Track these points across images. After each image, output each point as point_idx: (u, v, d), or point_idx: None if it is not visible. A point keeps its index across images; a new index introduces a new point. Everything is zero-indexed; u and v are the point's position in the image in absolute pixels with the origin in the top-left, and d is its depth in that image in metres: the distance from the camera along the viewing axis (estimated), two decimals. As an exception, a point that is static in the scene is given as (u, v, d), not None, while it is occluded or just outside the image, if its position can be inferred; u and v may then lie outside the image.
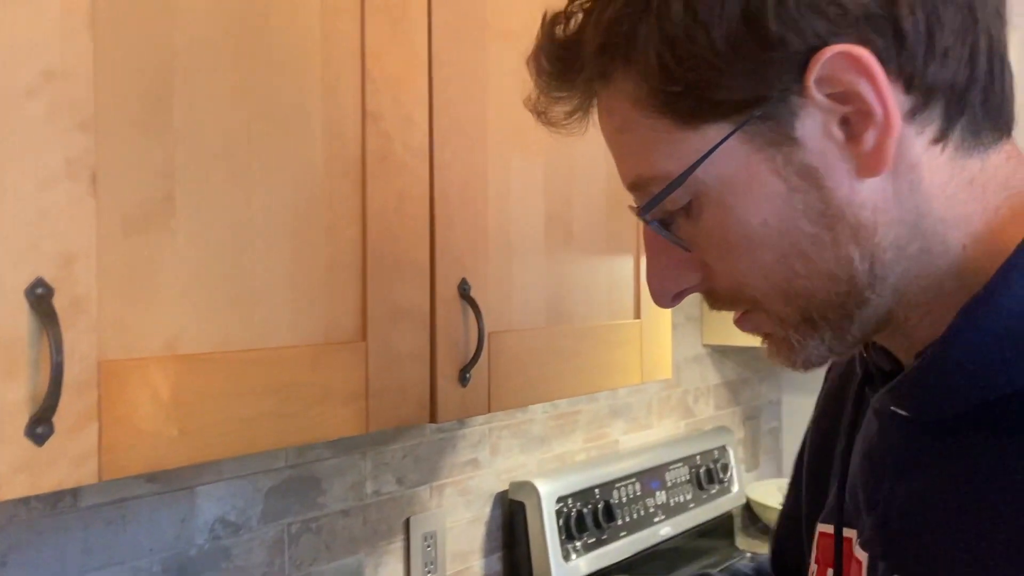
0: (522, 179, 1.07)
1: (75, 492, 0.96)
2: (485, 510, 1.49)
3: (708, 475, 1.91)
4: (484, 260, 1.01)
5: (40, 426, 0.63)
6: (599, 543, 1.57)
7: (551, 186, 1.11)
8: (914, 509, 0.53)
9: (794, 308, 0.51)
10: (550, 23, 0.54)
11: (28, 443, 0.63)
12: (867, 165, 0.47)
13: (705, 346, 2.10)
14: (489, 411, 1.01)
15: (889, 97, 0.46)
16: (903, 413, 0.54)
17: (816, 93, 0.47)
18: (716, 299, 0.55)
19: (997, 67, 0.49)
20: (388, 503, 1.32)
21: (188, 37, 0.73)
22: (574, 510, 1.53)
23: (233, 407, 0.76)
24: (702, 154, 0.49)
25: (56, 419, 0.64)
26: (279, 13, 0.80)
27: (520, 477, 1.55)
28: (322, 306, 0.84)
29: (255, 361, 0.78)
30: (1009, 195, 0.50)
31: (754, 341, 0.58)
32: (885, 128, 0.46)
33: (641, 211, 0.52)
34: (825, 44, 0.45)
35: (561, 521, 1.50)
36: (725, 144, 0.48)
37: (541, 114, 0.58)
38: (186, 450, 0.73)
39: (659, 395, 1.94)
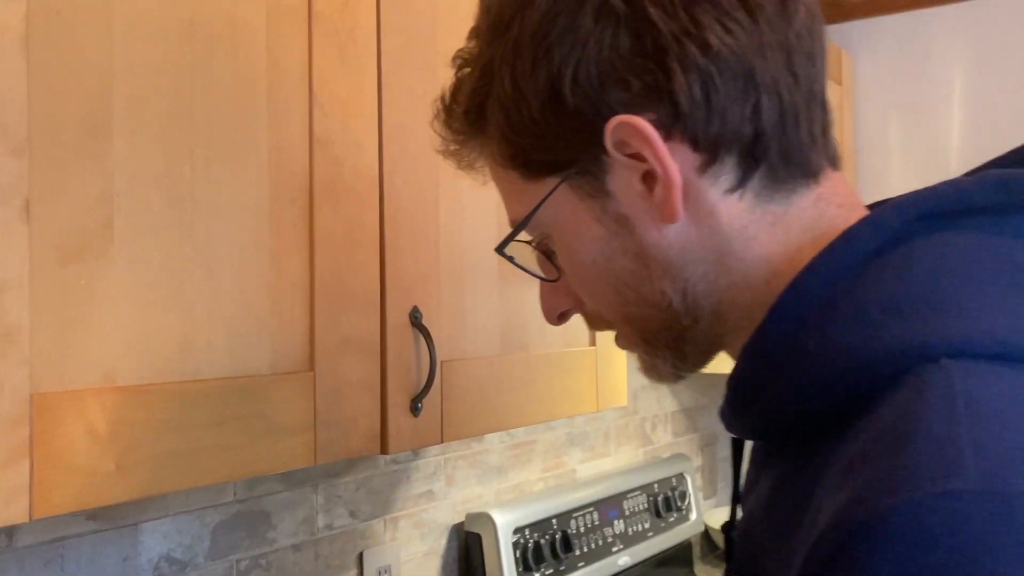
0: (475, 205, 1.06)
1: (10, 531, 0.93)
2: (441, 542, 1.47)
3: (666, 503, 1.90)
4: (436, 287, 1.00)
5: (-34, 463, 0.60)
6: (557, 574, 1.55)
7: (504, 212, 1.10)
8: (745, 524, 0.59)
9: (635, 330, 0.60)
10: (450, 86, 0.63)
11: (-47, 481, 0.60)
12: (662, 214, 0.54)
13: (662, 373, 2.09)
14: (442, 441, 0.99)
15: (666, 157, 0.52)
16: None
17: (616, 154, 0.53)
18: (590, 321, 0.64)
19: (790, 122, 0.53)
20: (341, 537, 1.29)
21: (128, 60, 0.72)
22: (531, 541, 1.51)
23: (173, 440, 0.73)
24: (538, 201, 0.57)
25: (-16, 455, 0.61)
26: (222, 36, 0.79)
27: (477, 508, 1.53)
28: (267, 336, 0.82)
29: (196, 393, 0.75)
30: (813, 236, 0.54)
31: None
32: (668, 184, 0.53)
33: (499, 246, 0.61)
34: (614, 114, 0.52)
35: (518, 553, 1.48)
36: (555, 194, 0.57)
37: (450, 160, 0.65)
38: (124, 485, 0.70)
39: (616, 423, 1.93)
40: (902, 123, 2.43)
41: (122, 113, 0.71)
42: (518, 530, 1.49)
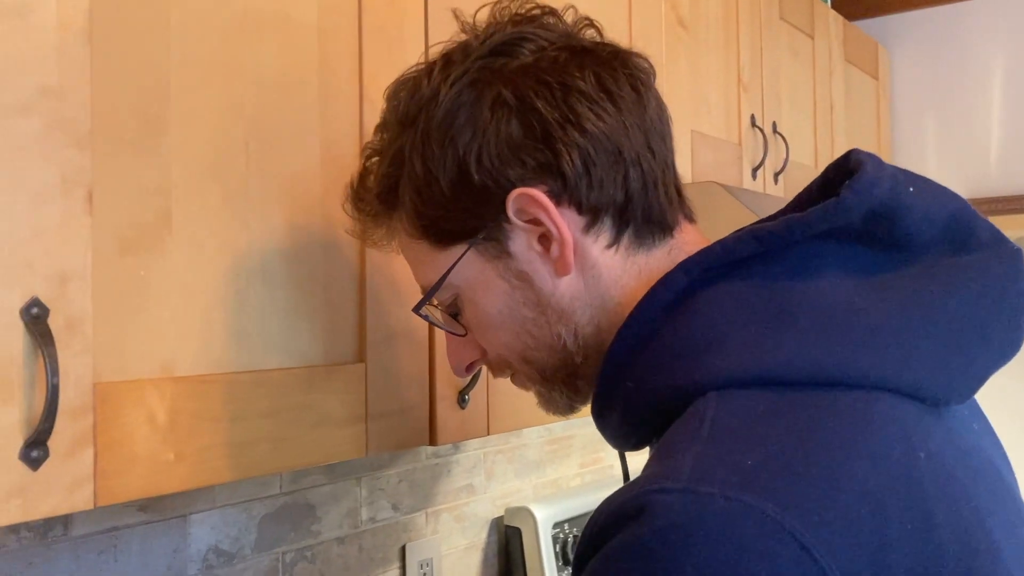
0: (518, 199, 1.06)
1: (66, 521, 0.94)
2: (481, 536, 1.47)
3: (704, 499, 1.89)
4: (482, 281, 1.00)
5: (35, 450, 0.61)
6: (596, 569, 1.55)
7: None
8: None
9: (534, 370, 0.68)
10: (358, 174, 0.71)
11: (23, 467, 0.61)
12: (558, 268, 0.64)
13: (698, 369, 2.08)
14: (488, 433, 1.00)
15: (560, 220, 0.62)
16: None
17: (516, 220, 0.63)
18: (492, 368, 0.72)
19: (651, 187, 0.64)
20: (384, 530, 1.30)
21: (183, 55, 0.73)
22: (571, 535, 1.51)
23: (230, 431, 0.74)
24: (450, 265, 0.66)
25: (51, 443, 0.62)
26: (275, 32, 0.80)
27: (516, 502, 1.53)
28: (320, 327, 0.83)
29: (252, 383, 0.76)
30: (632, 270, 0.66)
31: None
32: (562, 242, 0.63)
33: (415, 307, 0.70)
34: (514, 187, 0.62)
35: (558, 547, 1.48)
36: (464, 258, 0.65)
37: (360, 238, 0.75)
38: (182, 475, 0.71)
39: (653, 419, 1.93)
40: (940, 117, 2.40)
41: (178, 107, 0.72)
42: (557, 524, 1.49)
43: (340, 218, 0.84)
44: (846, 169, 0.61)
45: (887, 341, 0.55)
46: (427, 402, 0.93)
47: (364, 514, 1.27)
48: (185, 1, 0.73)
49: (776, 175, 1.72)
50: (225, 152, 0.75)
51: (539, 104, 0.62)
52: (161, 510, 1.03)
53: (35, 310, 0.62)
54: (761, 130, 1.66)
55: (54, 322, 0.63)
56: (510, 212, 0.63)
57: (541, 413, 1.08)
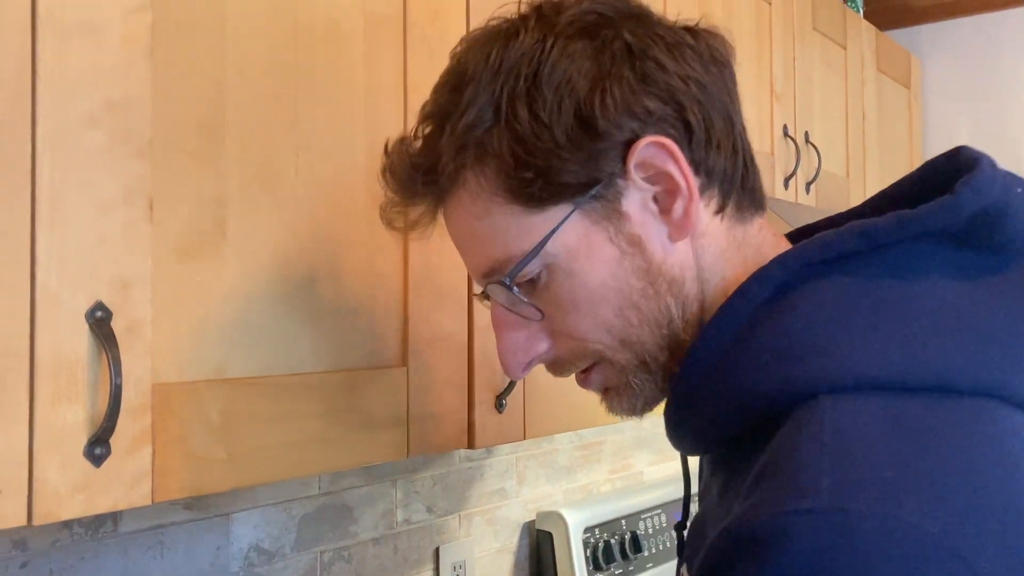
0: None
1: (115, 517, 0.97)
2: (513, 540, 1.49)
3: (733, 506, 1.90)
4: (519, 288, 1.02)
5: (98, 447, 0.64)
6: (627, 574, 1.57)
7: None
8: (698, 522, 0.66)
9: (632, 355, 0.61)
10: (398, 143, 0.65)
11: (86, 464, 0.64)
12: (678, 230, 0.59)
13: (727, 377, 2.09)
14: (524, 438, 1.02)
15: (689, 173, 0.58)
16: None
17: (635, 175, 0.58)
18: (561, 363, 0.64)
19: (750, 161, 0.63)
20: (418, 532, 1.32)
21: (238, 66, 0.75)
22: (601, 540, 1.53)
23: (279, 431, 0.77)
24: (550, 230, 0.59)
25: (113, 441, 0.65)
26: (324, 46, 0.82)
27: (547, 507, 1.55)
28: (364, 332, 0.85)
29: (300, 386, 0.79)
30: (757, 260, 0.61)
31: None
32: (689, 198, 0.59)
33: (504, 280, 0.61)
34: (638, 137, 0.58)
35: (589, 551, 1.50)
36: (568, 220, 0.59)
37: (391, 223, 0.68)
38: (233, 474, 0.74)
39: (683, 426, 1.94)
40: (971, 127, 2.40)
41: (233, 117, 0.75)
42: (588, 529, 1.51)
43: (384, 226, 0.86)
44: (954, 166, 0.58)
45: (999, 348, 0.52)
46: (466, 406, 0.95)
47: (399, 516, 1.29)
48: (240, 15, 0.75)
49: (808, 185, 1.73)
50: (276, 161, 0.78)
51: (660, 55, 0.59)
52: (206, 509, 1.06)
53: (99, 313, 0.65)
54: (793, 140, 1.67)
55: (117, 325, 0.65)
56: (631, 165, 0.58)
57: (577, 418, 1.11)
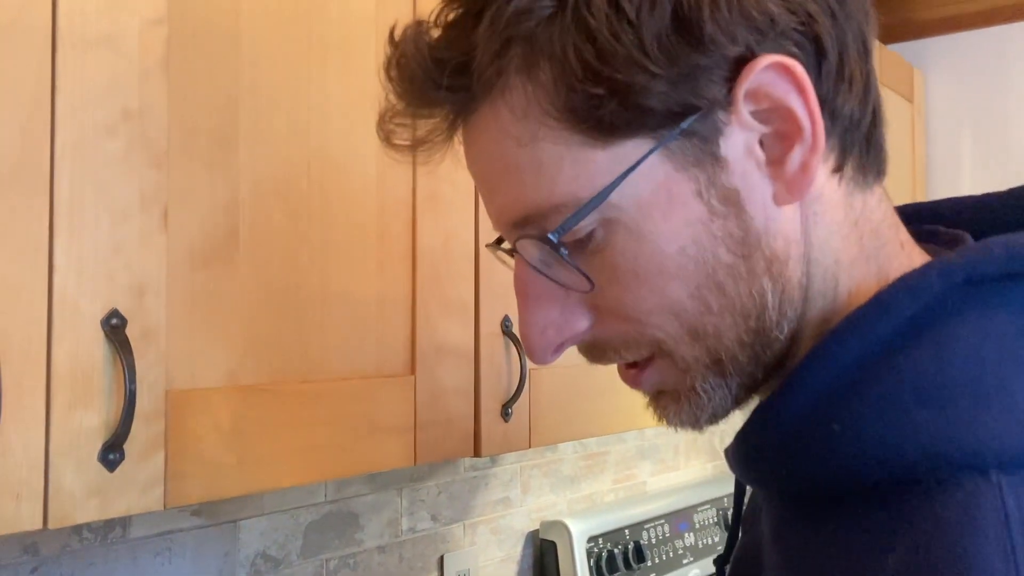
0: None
1: (124, 523, 0.98)
2: (517, 548, 1.50)
3: (736, 517, 1.91)
4: (526, 297, 1.03)
5: (112, 452, 0.65)
6: (629, 584, 1.57)
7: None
8: (742, 559, 0.55)
9: (703, 350, 0.46)
10: (414, 28, 0.47)
11: (100, 469, 0.65)
12: (790, 188, 0.44)
13: (731, 388, 2.10)
14: (530, 446, 1.03)
15: (817, 112, 0.43)
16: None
17: (743, 108, 0.43)
18: (606, 348, 0.49)
19: (879, 107, 0.48)
20: (423, 540, 1.33)
21: (253, 79, 0.76)
22: (605, 550, 1.53)
23: (289, 437, 0.78)
24: (620, 172, 0.43)
25: (127, 446, 0.66)
26: (337, 58, 0.83)
27: (551, 516, 1.55)
28: (373, 340, 0.86)
29: (310, 393, 0.80)
30: (877, 247, 0.48)
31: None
32: (813, 147, 0.44)
33: (548, 235, 0.45)
34: (754, 54, 0.42)
35: (592, 561, 1.50)
36: (646, 160, 0.43)
37: (389, 137, 0.51)
38: (244, 479, 0.75)
39: (687, 437, 1.94)
40: (975, 142, 2.41)
41: (247, 128, 0.76)
42: (592, 539, 1.51)
43: (394, 234, 0.88)
44: None
45: None
46: (472, 414, 0.96)
47: (405, 524, 1.30)
48: (254, 28, 0.77)
49: (811, 197, 1.73)
50: (289, 172, 0.79)
51: None
52: (214, 515, 1.06)
53: (114, 320, 0.66)
54: (797, 152, 1.68)
55: (131, 332, 0.66)
56: (740, 92, 0.43)
57: (582, 427, 1.12)
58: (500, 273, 0.99)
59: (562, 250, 0.45)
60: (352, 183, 0.84)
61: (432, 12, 0.48)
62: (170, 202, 0.70)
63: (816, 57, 0.44)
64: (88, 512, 0.64)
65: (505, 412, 0.99)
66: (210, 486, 0.72)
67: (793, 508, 0.47)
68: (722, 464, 2.06)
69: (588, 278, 0.46)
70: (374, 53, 0.87)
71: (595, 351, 0.50)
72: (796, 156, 0.44)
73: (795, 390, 0.45)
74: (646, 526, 1.65)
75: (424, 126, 0.49)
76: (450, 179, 0.93)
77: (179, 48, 0.71)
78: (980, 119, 2.41)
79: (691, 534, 1.76)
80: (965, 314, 0.42)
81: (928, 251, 0.51)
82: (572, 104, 0.43)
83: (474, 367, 0.96)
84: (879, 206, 0.48)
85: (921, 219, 0.54)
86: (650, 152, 0.43)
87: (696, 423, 0.49)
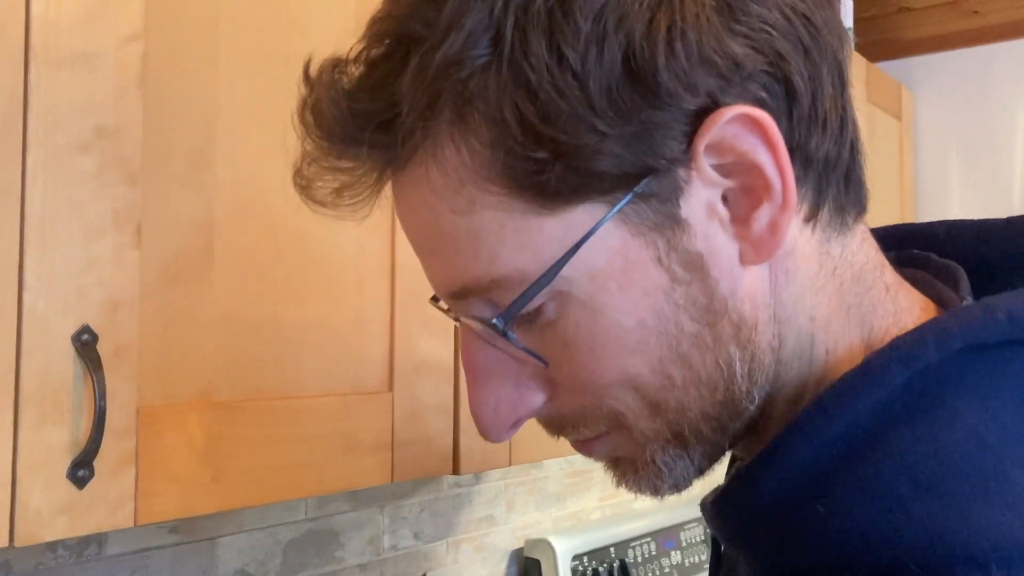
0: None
1: (100, 540, 0.97)
2: (501, 567, 1.49)
3: (723, 535, 1.90)
4: (506, 315, 1.03)
5: (81, 469, 0.65)
6: (614, 602, 1.56)
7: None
8: None
9: (664, 424, 0.43)
10: (329, 67, 0.42)
11: (69, 486, 0.64)
12: (757, 249, 0.41)
13: (719, 405, 2.10)
14: (511, 464, 1.02)
15: (787, 166, 0.39)
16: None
17: (704, 163, 0.39)
18: (562, 423, 0.46)
19: (857, 140, 0.44)
20: (405, 558, 1.32)
21: (230, 96, 0.77)
22: (590, 568, 1.53)
23: (264, 455, 0.77)
24: (571, 243, 0.39)
25: (96, 463, 0.65)
26: (316, 75, 0.84)
27: (535, 534, 1.55)
28: (351, 357, 0.86)
29: (286, 410, 0.79)
30: (860, 294, 0.44)
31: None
32: (783, 206, 0.40)
33: (492, 320, 0.41)
34: (717, 104, 0.38)
35: (577, 579, 1.50)
36: (600, 228, 0.39)
37: (306, 188, 0.45)
38: (217, 497, 0.74)
39: (673, 454, 1.94)
40: (963, 161, 2.42)
41: (223, 146, 0.76)
42: (576, 557, 1.51)
43: (372, 251, 0.88)
44: None
45: None
46: (452, 431, 0.96)
47: (386, 542, 1.29)
48: (232, 47, 0.77)
49: (798, 215, 1.74)
50: (265, 189, 0.79)
51: None
52: (191, 532, 1.06)
53: (85, 336, 0.65)
54: (783, 171, 1.68)
55: (103, 348, 0.66)
56: (701, 146, 0.39)
57: (564, 445, 1.11)
58: (480, 290, 0.99)
59: (509, 334, 0.41)
60: (330, 200, 0.84)
61: (352, 47, 0.42)
62: (144, 219, 0.70)
63: (787, 101, 0.40)
64: (56, 530, 0.64)
65: (485, 430, 0.99)
66: (182, 503, 0.72)
67: None
68: (710, 482, 2.05)
69: (540, 358, 0.42)
70: (353, 71, 0.87)
71: (552, 425, 0.47)
72: (764, 215, 0.40)
73: (777, 463, 0.41)
74: (632, 544, 1.64)
75: (346, 176, 0.43)
76: (430, 196, 0.93)
77: (155, 65, 0.71)
78: (968, 138, 2.42)
79: (678, 552, 1.76)
80: (963, 386, 0.39)
81: (917, 279, 0.48)
82: (512, 169, 0.39)
83: (454, 384, 0.96)
84: (860, 248, 0.45)
85: (913, 242, 0.51)
86: (604, 219, 0.39)
87: (656, 492, 0.46)
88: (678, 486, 0.46)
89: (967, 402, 0.38)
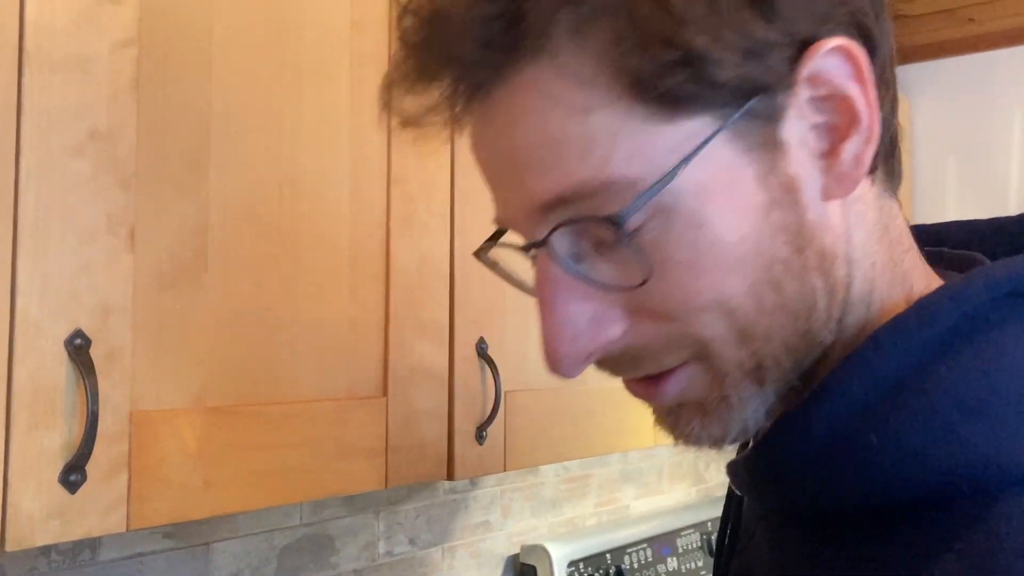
0: (539, 242, 1.09)
1: (94, 545, 0.97)
2: (496, 573, 1.49)
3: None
4: (502, 320, 1.03)
5: (73, 474, 0.65)
6: (610, 609, 1.56)
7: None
8: None
9: (748, 354, 0.42)
10: None
11: (61, 490, 0.64)
12: (841, 182, 0.42)
13: (716, 412, 2.10)
14: (505, 469, 1.02)
15: (876, 104, 0.41)
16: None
17: (802, 92, 0.41)
18: (638, 355, 0.44)
19: (896, 114, 0.47)
20: (400, 564, 1.32)
21: (224, 102, 0.77)
22: (586, 574, 1.53)
23: (257, 460, 0.77)
24: (685, 153, 0.39)
25: (89, 468, 0.65)
26: (310, 83, 0.84)
27: (531, 540, 1.54)
28: (345, 362, 0.86)
29: (279, 414, 0.79)
30: (902, 254, 0.46)
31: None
32: (868, 139, 0.41)
33: (607, 221, 0.40)
34: (817, 36, 0.40)
35: (572, 585, 1.49)
36: (712, 141, 0.40)
37: (391, 102, 0.44)
38: (210, 502, 0.74)
39: (671, 460, 1.94)
40: (960, 168, 2.43)
41: (217, 151, 0.76)
42: (572, 563, 1.51)
43: (367, 257, 0.88)
44: None
45: None
46: (446, 437, 0.95)
47: (382, 547, 1.29)
48: (227, 52, 0.77)
49: (794, 221, 1.74)
50: (260, 194, 0.79)
51: None
52: (186, 537, 1.06)
53: (78, 341, 0.65)
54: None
55: (96, 352, 0.66)
56: (803, 75, 0.40)
57: (557, 451, 1.11)
58: (476, 295, 0.99)
59: (624, 231, 0.39)
60: (324, 205, 0.85)
61: None
62: (138, 223, 0.70)
63: (866, 46, 0.42)
64: (48, 534, 0.64)
65: (479, 435, 0.99)
66: (175, 508, 0.72)
67: (809, 529, 0.45)
68: (706, 488, 2.05)
69: (643, 269, 0.40)
70: (348, 77, 0.87)
71: (623, 360, 0.44)
72: (850, 148, 0.42)
73: (830, 398, 0.42)
74: (628, 550, 1.64)
75: (436, 92, 0.42)
76: (425, 201, 0.93)
77: (149, 70, 0.71)
78: (965, 145, 2.42)
79: (674, 559, 1.75)
80: (1008, 327, 0.41)
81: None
82: (638, 72, 0.39)
83: (448, 389, 0.96)
84: (898, 218, 0.47)
85: (921, 241, 0.52)
86: (717, 131, 0.40)
87: (721, 439, 0.45)
88: (746, 430, 0.44)
89: (1013, 340, 0.40)
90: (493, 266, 0.49)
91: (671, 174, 0.39)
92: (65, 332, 0.65)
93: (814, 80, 0.41)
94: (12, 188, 0.63)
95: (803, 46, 0.40)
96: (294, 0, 0.82)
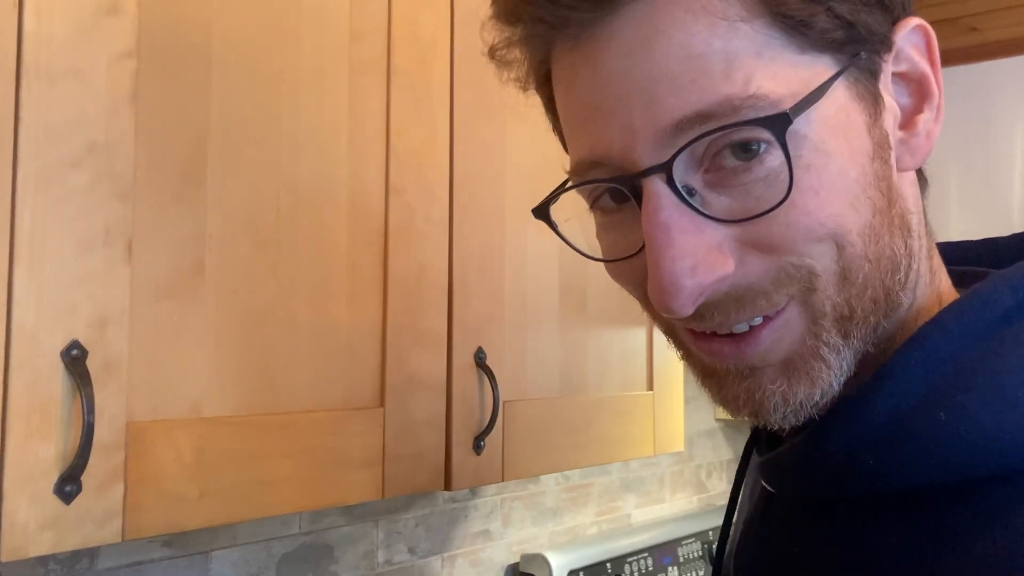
0: (538, 251, 1.09)
1: (92, 554, 0.97)
2: (496, 582, 1.49)
3: (721, 551, 1.89)
4: (500, 330, 1.03)
5: (68, 485, 0.65)
6: (610, 618, 1.56)
7: (566, 258, 1.14)
8: (751, 562, 0.52)
9: (844, 298, 0.43)
10: None
11: (56, 501, 0.64)
12: (913, 153, 0.45)
13: (718, 420, 2.10)
14: (503, 480, 1.02)
15: (942, 83, 0.45)
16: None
17: (890, 59, 0.44)
18: (745, 294, 0.43)
19: None
20: (399, 573, 1.32)
21: (222, 111, 0.77)
22: (585, 584, 1.52)
23: (253, 470, 0.77)
24: (815, 86, 0.41)
25: (84, 478, 0.65)
26: (308, 92, 0.84)
27: (532, 549, 1.54)
28: (342, 372, 0.86)
29: (276, 425, 0.79)
30: (931, 245, 0.49)
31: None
32: (938, 115, 0.45)
33: (777, 119, 0.40)
34: (903, 14, 0.44)
35: (572, 595, 1.49)
36: (838, 80, 0.42)
37: (504, 58, 0.46)
38: (206, 512, 0.74)
39: (671, 469, 1.94)
40: (962, 178, 2.42)
41: (215, 162, 0.76)
42: (573, 572, 1.50)
43: (365, 267, 0.88)
44: None
45: None
46: (443, 447, 0.95)
47: (381, 556, 1.29)
48: (225, 62, 0.77)
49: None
50: (257, 205, 0.79)
51: None
52: (185, 546, 1.06)
53: (75, 351, 0.66)
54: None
55: (92, 363, 0.66)
56: (899, 36, 0.44)
57: (555, 461, 1.11)
58: (474, 305, 0.99)
59: (785, 144, 0.40)
60: (322, 216, 0.85)
61: None
62: (135, 234, 0.70)
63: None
64: (42, 545, 0.64)
65: (477, 445, 0.99)
66: (171, 519, 0.72)
67: (846, 515, 0.45)
68: (708, 497, 2.05)
69: (774, 193, 0.40)
70: (346, 87, 0.87)
71: (726, 302, 0.43)
72: (924, 121, 0.45)
73: (895, 378, 0.43)
74: (629, 559, 1.64)
75: (547, 44, 0.44)
76: (423, 212, 0.93)
77: (148, 82, 0.72)
78: (967, 154, 2.42)
79: (675, 568, 1.75)
80: None
81: None
82: (783, 4, 0.41)
83: (446, 399, 0.96)
84: (922, 204, 0.49)
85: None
86: (842, 71, 0.42)
87: (805, 401, 0.44)
88: (824, 395, 0.44)
89: None
90: (556, 225, 0.48)
91: (818, 92, 0.40)
92: (62, 343, 0.65)
93: (898, 55, 0.44)
94: (9, 199, 0.63)
95: (897, 19, 0.44)
96: (293, 10, 0.83)
